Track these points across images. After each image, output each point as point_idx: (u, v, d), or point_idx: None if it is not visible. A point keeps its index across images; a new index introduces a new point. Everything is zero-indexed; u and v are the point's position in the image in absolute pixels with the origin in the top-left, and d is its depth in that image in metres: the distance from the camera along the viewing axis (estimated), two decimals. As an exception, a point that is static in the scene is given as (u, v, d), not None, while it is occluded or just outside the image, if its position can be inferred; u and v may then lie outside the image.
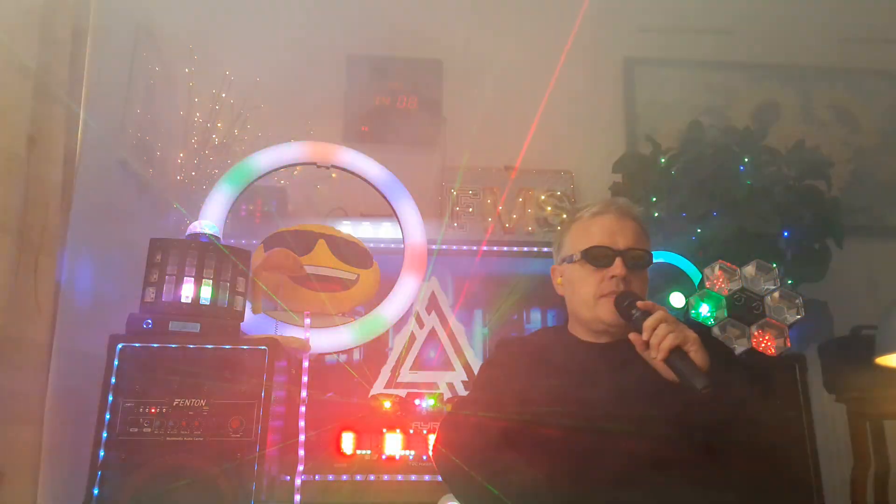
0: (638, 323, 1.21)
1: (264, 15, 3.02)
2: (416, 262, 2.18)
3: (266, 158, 2.21)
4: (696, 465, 1.17)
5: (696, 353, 1.15)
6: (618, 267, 1.34)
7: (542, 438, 1.25)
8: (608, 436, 1.22)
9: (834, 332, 2.47)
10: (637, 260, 1.37)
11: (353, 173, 2.26)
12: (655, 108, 3.17)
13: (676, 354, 1.15)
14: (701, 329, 1.49)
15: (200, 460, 1.53)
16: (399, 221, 2.22)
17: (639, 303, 1.24)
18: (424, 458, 1.99)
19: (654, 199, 2.56)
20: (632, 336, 1.22)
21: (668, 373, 1.17)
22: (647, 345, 1.19)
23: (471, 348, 2.27)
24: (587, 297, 1.37)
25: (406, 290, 2.15)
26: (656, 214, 2.52)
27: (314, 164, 2.25)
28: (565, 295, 1.46)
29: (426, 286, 2.24)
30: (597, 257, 1.37)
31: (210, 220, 2.05)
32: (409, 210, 2.23)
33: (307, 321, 1.99)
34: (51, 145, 1.51)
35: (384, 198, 2.25)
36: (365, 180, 2.26)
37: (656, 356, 1.16)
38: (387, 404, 2.03)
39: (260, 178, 2.21)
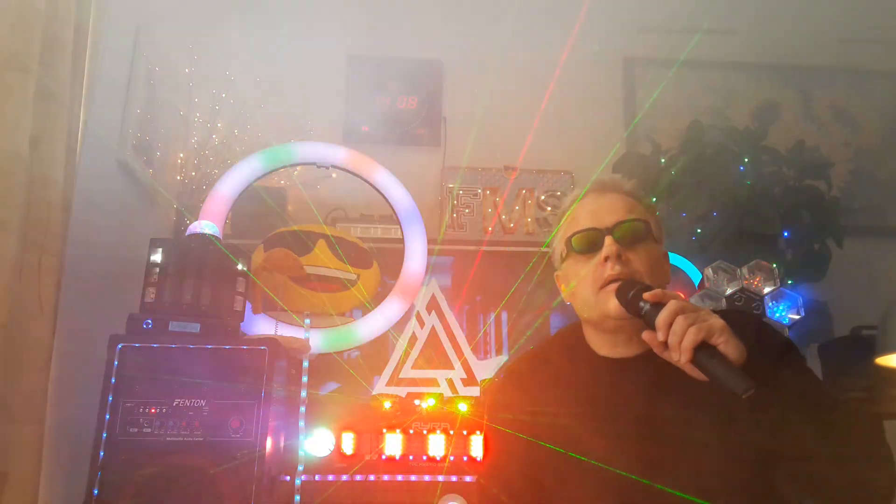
0: (649, 318, 0.99)
1: (264, 15, 3.02)
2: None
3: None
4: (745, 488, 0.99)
5: (727, 345, 0.91)
6: (608, 246, 1.12)
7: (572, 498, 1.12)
8: (640, 464, 1.05)
9: (834, 332, 2.47)
10: (630, 233, 1.14)
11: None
12: (655, 108, 3.17)
13: (704, 353, 0.92)
14: (741, 317, 1.22)
15: (200, 460, 1.53)
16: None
17: (646, 294, 1.00)
18: (424, 458, 1.99)
19: (654, 199, 2.56)
20: (645, 336, 0.99)
21: (699, 374, 0.94)
22: (665, 345, 0.96)
23: (469, 349, 2.28)
24: (587, 293, 1.14)
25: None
26: (656, 214, 2.52)
27: (314, 164, 2.26)
28: (571, 302, 1.23)
29: (426, 289, 2.25)
30: (583, 243, 1.16)
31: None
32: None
33: (307, 321, 1.99)
34: (52, 145, 1.51)
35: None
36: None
37: (679, 359, 0.94)
38: (387, 404, 2.03)
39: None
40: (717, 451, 1.01)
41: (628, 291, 1.05)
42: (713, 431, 1.01)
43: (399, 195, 2.25)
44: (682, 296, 1.00)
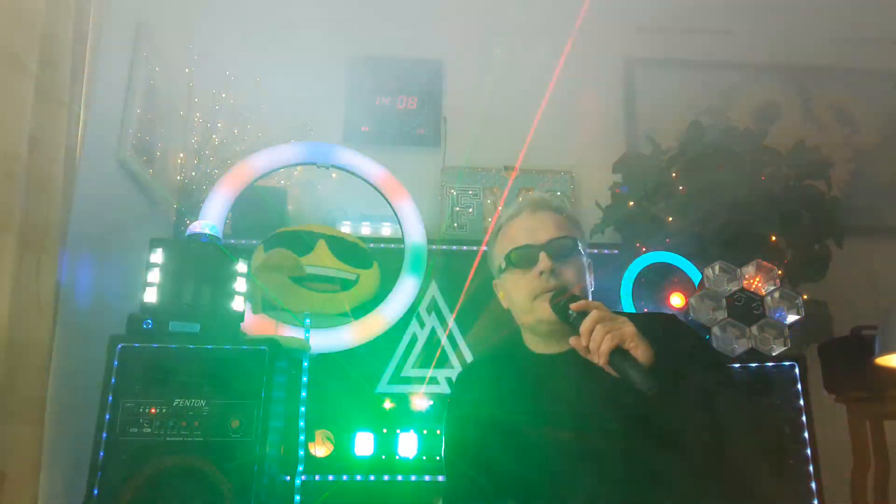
0: (576, 324, 1.15)
1: (264, 15, 3.03)
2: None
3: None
4: (664, 473, 1.14)
5: (637, 350, 1.09)
6: (542, 261, 1.27)
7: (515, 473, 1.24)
8: (575, 454, 1.21)
9: (834, 332, 2.47)
10: (561, 249, 1.30)
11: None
12: (655, 108, 3.17)
13: (617, 356, 1.09)
14: (659, 318, 1.38)
15: (200, 460, 1.53)
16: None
17: (572, 305, 1.18)
18: (424, 458, 1.99)
19: (655, 199, 2.56)
20: (572, 341, 1.15)
21: (615, 373, 1.11)
22: (587, 349, 1.12)
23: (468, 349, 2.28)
24: (523, 302, 1.31)
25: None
26: (656, 214, 2.52)
27: (314, 164, 2.26)
28: (510, 307, 1.40)
29: (428, 288, 2.25)
30: (520, 258, 1.31)
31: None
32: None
33: (307, 321, 1.99)
34: (52, 145, 1.51)
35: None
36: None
37: (598, 361, 1.11)
38: (387, 404, 2.04)
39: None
40: (638, 426, 1.16)
41: (559, 301, 1.22)
42: (633, 411, 1.15)
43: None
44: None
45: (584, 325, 1.12)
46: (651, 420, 1.14)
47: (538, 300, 1.27)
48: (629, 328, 1.11)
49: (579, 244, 1.35)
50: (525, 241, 1.31)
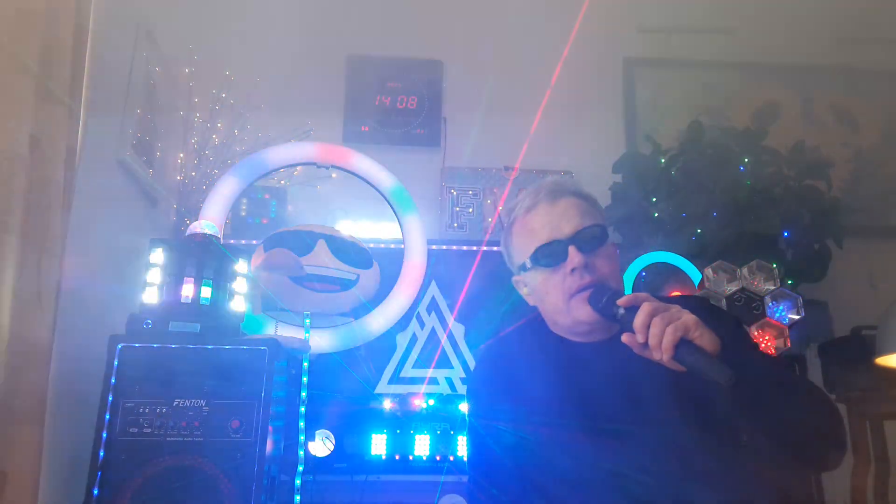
0: (625, 321, 1.03)
1: (264, 15, 3.02)
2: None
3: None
4: (723, 456, 1.06)
5: (703, 339, 0.96)
6: (574, 257, 1.14)
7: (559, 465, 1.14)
8: (625, 442, 1.10)
9: (834, 332, 2.47)
10: (591, 239, 1.17)
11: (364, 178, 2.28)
12: (655, 108, 3.17)
13: (684, 349, 0.96)
14: (694, 302, 1.26)
15: (200, 460, 1.53)
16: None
17: (619, 300, 1.05)
18: (424, 458, 1.99)
19: (654, 199, 2.56)
20: (625, 338, 1.02)
21: (679, 367, 0.98)
22: (645, 345, 1.00)
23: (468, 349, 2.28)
24: (557, 302, 1.18)
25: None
26: (656, 214, 2.53)
27: (314, 163, 2.26)
28: (536, 304, 1.27)
29: (428, 287, 2.25)
30: (548, 256, 1.17)
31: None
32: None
33: (307, 321, 1.99)
34: (53, 145, 1.51)
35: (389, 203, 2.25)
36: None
37: (661, 357, 0.97)
38: (387, 404, 2.03)
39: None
40: (696, 415, 1.07)
41: (601, 298, 1.10)
42: (691, 399, 1.06)
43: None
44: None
45: (639, 321, 0.99)
46: (711, 409, 1.03)
47: (575, 299, 1.15)
48: (689, 316, 0.98)
49: (607, 230, 1.22)
50: (549, 236, 1.17)
